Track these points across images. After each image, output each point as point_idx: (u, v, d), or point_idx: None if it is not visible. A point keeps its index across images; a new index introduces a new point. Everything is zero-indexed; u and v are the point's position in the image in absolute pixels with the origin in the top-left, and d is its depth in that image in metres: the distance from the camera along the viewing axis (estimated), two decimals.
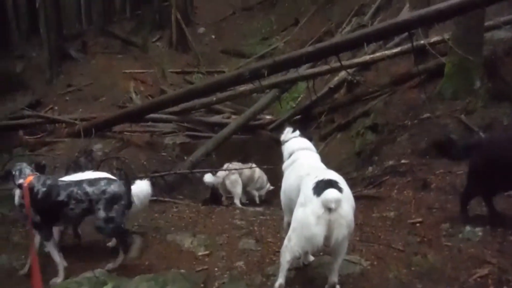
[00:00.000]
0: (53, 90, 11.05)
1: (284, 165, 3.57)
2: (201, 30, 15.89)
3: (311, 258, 3.49)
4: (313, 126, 8.81)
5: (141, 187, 4.07)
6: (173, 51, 14.11)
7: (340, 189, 2.83)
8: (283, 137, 3.75)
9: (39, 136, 8.22)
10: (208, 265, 3.71)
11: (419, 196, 4.60)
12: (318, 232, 2.76)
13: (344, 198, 2.81)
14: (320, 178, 2.94)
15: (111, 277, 3.40)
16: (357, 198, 3.21)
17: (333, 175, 3.04)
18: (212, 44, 15.19)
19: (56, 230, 3.96)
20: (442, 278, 3.17)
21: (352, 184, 3.78)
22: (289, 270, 3.05)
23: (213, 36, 15.66)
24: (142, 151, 7.47)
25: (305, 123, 8.54)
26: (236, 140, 8.38)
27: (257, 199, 6.54)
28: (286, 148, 3.63)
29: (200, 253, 3.95)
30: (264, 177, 6.52)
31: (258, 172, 6.42)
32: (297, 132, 3.68)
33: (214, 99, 8.96)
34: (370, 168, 6.06)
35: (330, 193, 2.75)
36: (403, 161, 5.55)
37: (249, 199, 6.52)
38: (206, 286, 3.35)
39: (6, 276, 3.75)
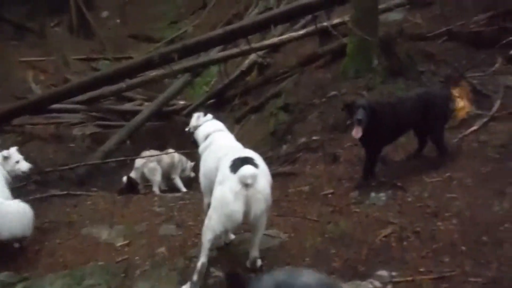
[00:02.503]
0: None
1: (201, 148, 3.60)
2: (105, 14, 15.00)
3: (232, 236, 3.58)
4: (227, 109, 8.86)
5: (21, 209, 3.78)
6: (75, 37, 13.20)
7: (255, 165, 2.92)
8: (194, 122, 3.77)
9: None
10: (129, 255, 3.64)
11: (330, 169, 4.86)
12: (237, 208, 2.83)
13: (260, 174, 2.91)
14: (237, 156, 3.01)
15: (20, 277, 3.19)
16: (273, 175, 3.34)
17: (249, 153, 3.13)
18: (117, 29, 14.42)
19: None
20: (353, 241, 3.45)
21: (268, 163, 3.91)
22: (211, 250, 3.09)
23: (118, 21, 14.89)
24: (48, 144, 6.99)
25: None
26: (150, 127, 8.18)
27: (182, 187, 6.34)
28: (200, 132, 3.67)
29: (119, 244, 3.87)
30: (183, 158, 6.44)
31: (177, 156, 6.34)
32: (210, 116, 3.73)
33: (124, 86, 8.57)
34: (284, 147, 6.28)
35: (246, 169, 2.83)
36: (314, 137, 5.82)
37: (168, 186, 6.41)
38: (127, 275, 3.30)
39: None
